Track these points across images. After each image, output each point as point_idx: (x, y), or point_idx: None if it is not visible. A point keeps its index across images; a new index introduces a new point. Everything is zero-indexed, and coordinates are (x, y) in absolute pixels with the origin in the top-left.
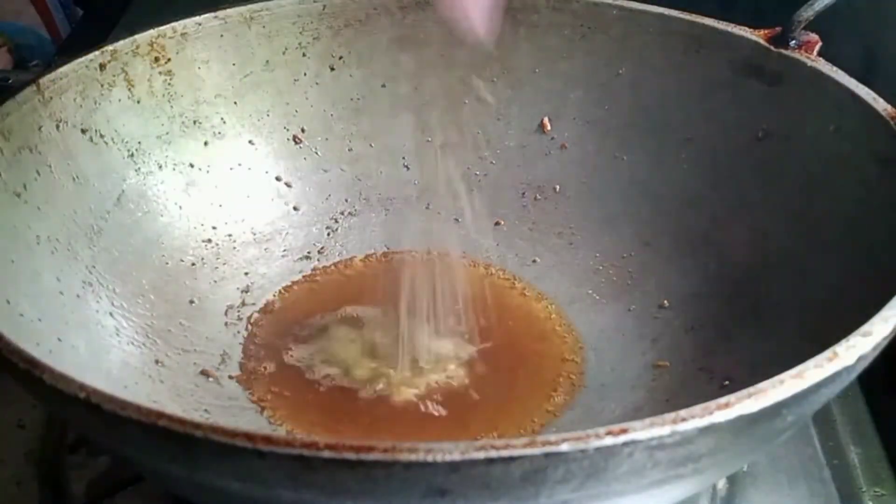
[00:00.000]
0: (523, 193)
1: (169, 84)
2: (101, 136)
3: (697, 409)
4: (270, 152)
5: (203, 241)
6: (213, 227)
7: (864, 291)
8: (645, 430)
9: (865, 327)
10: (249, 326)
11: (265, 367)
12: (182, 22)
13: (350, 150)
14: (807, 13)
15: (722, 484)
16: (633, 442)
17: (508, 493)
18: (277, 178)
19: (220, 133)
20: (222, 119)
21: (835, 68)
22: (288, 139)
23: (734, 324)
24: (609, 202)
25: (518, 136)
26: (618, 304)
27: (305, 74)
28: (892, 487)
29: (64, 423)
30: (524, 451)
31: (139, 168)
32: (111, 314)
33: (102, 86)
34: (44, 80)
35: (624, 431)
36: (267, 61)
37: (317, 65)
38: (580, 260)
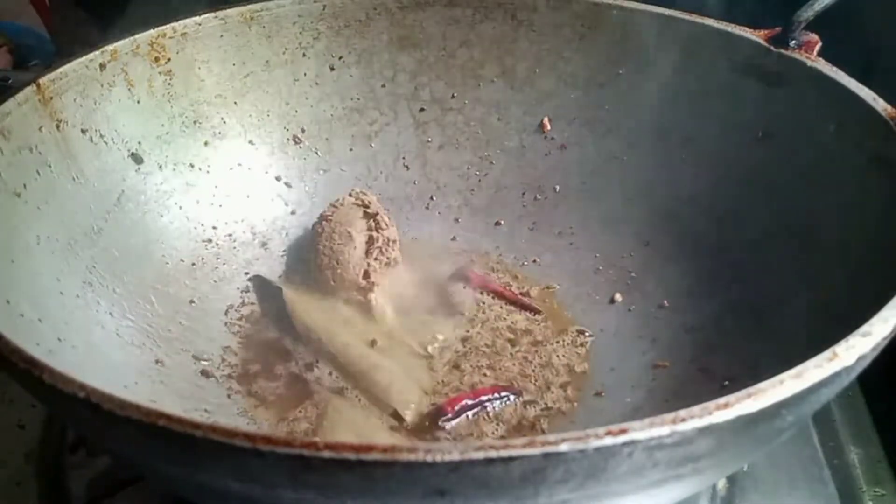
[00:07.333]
0: (523, 193)
1: (169, 84)
2: (101, 136)
3: (697, 409)
4: (270, 152)
5: (203, 241)
6: (213, 227)
7: (864, 291)
8: (645, 430)
9: (865, 327)
10: (249, 326)
11: (265, 367)
12: (182, 22)
13: (350, 150)
14: (807, 13)
15: (722, 484)
16: (633, 442)
17: (508, 493)
18: (277, 178)
19: (220, 133)
20: (222, 119)
21: (835, 68)
22: (288, 139)
23: (734, 324)
24: (609, 202)
25: (518, 136)
26: (618, 304)
27: (305, 74)
28: (892, 487)
29: (64, 423)
30: (523, 452)
31: (139, 168)
32: (111, 314)
33: (102, 86)
34: (44, 80)
35: (624, 431)
36: (267, 61)
37: (317, 65)
38: (580, 260)
